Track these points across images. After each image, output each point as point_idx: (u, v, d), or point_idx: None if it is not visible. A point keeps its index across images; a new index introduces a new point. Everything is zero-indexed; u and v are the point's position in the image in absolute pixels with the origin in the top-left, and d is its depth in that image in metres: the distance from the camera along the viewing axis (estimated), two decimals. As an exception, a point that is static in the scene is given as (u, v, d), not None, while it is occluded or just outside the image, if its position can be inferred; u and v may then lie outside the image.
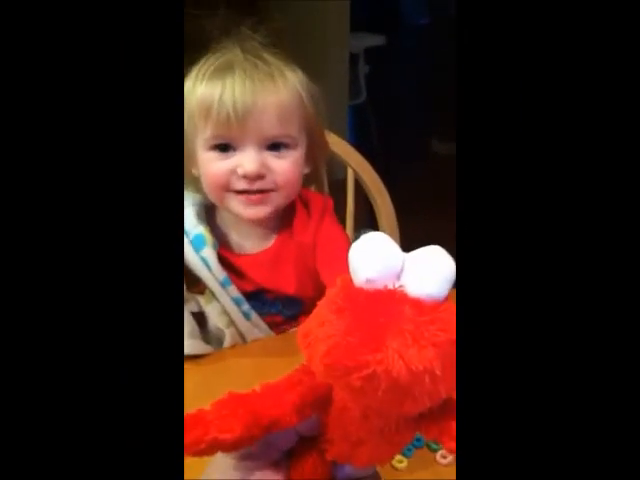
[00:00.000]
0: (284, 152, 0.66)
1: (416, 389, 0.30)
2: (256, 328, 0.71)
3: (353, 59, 2.68)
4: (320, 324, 0.33)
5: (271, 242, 0.72)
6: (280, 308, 0.73)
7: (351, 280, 0.34)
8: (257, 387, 0.39)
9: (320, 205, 0.73)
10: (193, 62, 0.67)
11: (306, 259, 0.71)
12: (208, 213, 0.72)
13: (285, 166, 0.66)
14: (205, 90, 0.64)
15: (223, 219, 0.73)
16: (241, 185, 0.65)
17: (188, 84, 0.66)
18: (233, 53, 0.66)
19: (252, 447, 0.35)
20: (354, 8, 2.50)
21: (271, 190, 0.66)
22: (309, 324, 0.34)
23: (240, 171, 0.64)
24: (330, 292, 0.35)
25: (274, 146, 0.65)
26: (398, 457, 0.52)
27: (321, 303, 0.35)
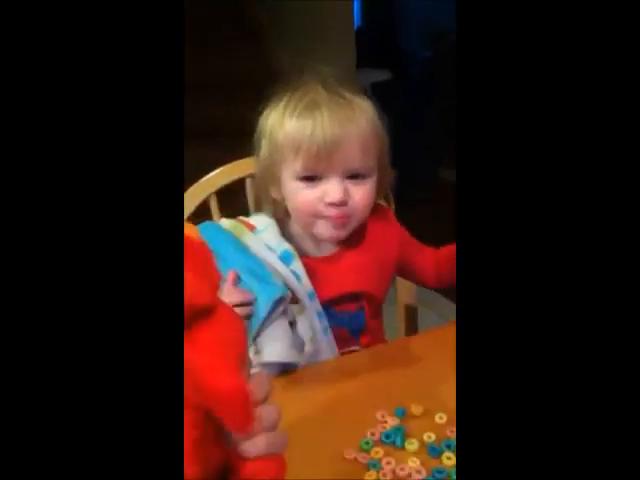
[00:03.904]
0: (361, 180, 0.74)
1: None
2: (328, 346, 0.77)
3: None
4: None
5: (336, 249, 0.81)
6: (345, 321, 0.79)
7: None
8: None
9: (386, 210, 0.87)
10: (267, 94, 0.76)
11: (378, 256, 0.81)
12: (281, 230, 0.80)
13: (363, 193, 0.74)
14: (296, 126, 0.71)
15: (291, 235, 0.81)
16: (328, 212, 0.73)
17: (275, 118, 0.74)
18: (316, 91, 0.73)
19: None
20: (359, 45, 2.57)
21: (352, 215, 0.74)
22: None
23: (327, 199, 0.72)
24: None
25: (354, 175, 0.73)
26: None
27: None
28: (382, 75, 3.10)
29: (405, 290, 0.97)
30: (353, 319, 0.80)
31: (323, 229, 0.75)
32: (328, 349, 0.77)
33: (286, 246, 0.77)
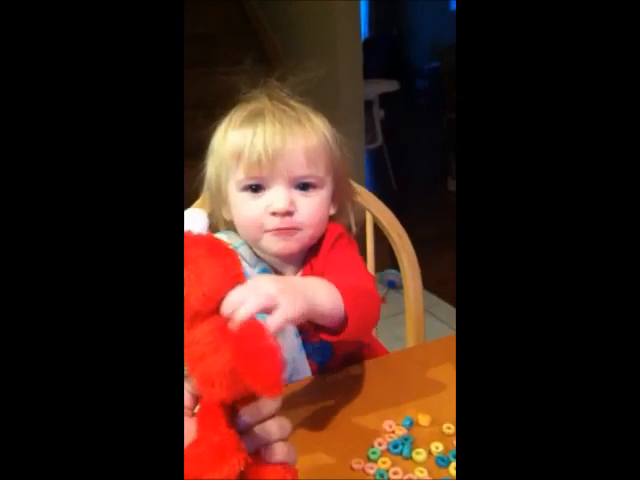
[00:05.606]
0: (311, 191, 0.70)
1: None
2: (305, 364, 0.73)
3: (367, 105, 2.75)
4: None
5: (299, 272, 0.76)
6: (310, 352, 0.75)
7: None
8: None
9: (333, 234, 0.76)
10: (224, 115, 0.73)
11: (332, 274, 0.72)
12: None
13: (311, 205, 0.70)
14: (237, 135, 0.69)
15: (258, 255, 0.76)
16: (272, 223, 0.69)
17: (220, 133, 0.71)
18: (262, 102, 0.71)
19: None
20: (367, 57, 2.59)
21: (298, 228, 0.70)
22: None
23: (271, 209, 0.68)
24: None
25: (302, 186, 0.69)
26: None
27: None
28: (390, 86, 3.11)
29: (413, 299, 0.97)
30: (317, 350, 0.74)
31: (270, 243, 0.70)
32: (305, 367, 0.72)
33: (263, 266, 0.74)
